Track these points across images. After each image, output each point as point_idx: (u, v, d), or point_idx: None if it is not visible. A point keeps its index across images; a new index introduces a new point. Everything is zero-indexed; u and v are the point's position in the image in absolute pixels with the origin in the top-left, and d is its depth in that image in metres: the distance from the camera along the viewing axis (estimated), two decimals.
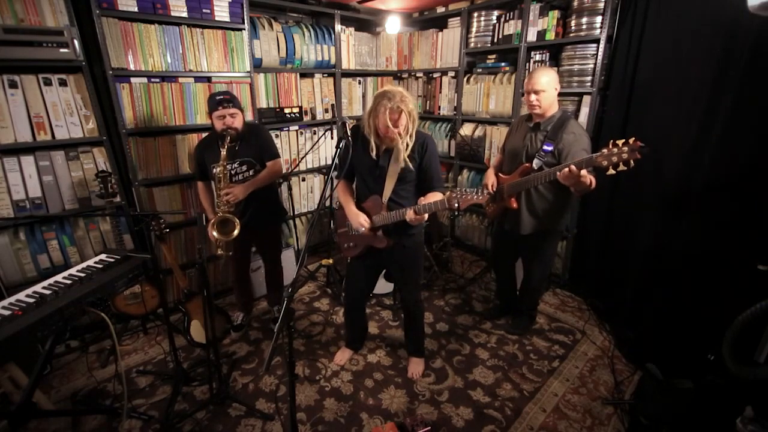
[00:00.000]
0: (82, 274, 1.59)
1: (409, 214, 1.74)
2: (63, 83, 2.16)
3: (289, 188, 3.16)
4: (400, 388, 2.14)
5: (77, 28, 2.11)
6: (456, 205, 1.65)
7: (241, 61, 2.77)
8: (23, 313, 1.34)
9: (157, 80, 2.47)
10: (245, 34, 2.73)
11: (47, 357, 1.68)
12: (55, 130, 2.20)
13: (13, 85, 2.04)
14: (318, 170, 3.51)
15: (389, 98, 1.64)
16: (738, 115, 1.87)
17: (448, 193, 1.69)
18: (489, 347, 2.46)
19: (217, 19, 2.59)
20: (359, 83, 3.64)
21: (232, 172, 2.20)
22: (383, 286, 2.92)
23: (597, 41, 2.54)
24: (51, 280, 1.56)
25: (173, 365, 2.13)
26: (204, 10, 2.53)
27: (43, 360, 1.65)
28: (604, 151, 1.64)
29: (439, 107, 3.65)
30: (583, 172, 1.72)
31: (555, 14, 2.70)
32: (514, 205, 2.17)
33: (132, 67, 2.35)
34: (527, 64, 2.93)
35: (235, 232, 2.12)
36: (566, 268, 3.05)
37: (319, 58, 3.25)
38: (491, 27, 3.14)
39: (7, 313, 1.33)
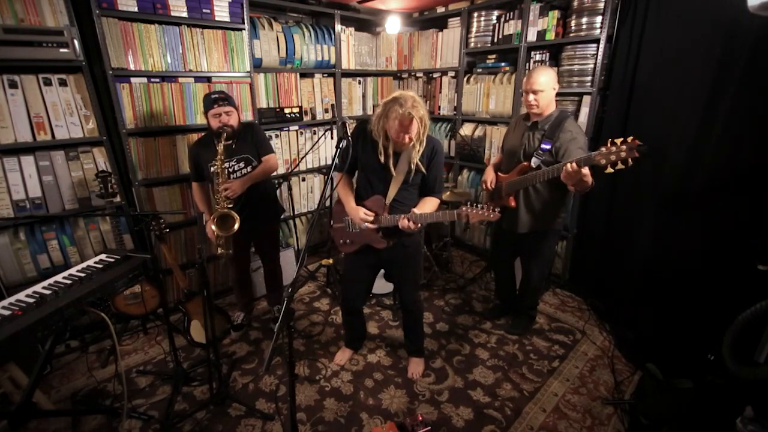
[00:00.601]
0: (82, 274, 1.59)
1: (403, 222, 1.74)
2: (63, 83, 2.16)
3: (289, 188, 3.16)
4: (400, 388, 2.14)
5: (77, 28, 2.11)
6: (464, 219, 1.67)
7: (241, 61, 2.77)
8: (23, 313, 1.34)
9: (157, 80, 2.47)
10: (245, 34, 2.73)
11: (47, 357, 1.68)
12: (55, 130, 2.20)
13: (13, 85, 2.04)
14: (318, 170, 3.51)
15: (401, 104, 1.59)
16: (738, 115, 1.87)
17: (462, 208, 1.69)
18: (489, 347, 2.46)
19: (217, 19, 2.59)
20: (359, 83, 3.64)
21: (230, 169, 2.21)
22: (383, 286, 2.91)
23: (597, 41, 2.54)
24: (51, 280, 1.56)
25: (173, 365, 2.13)
26: (204, 10, 2.53)
27: (43, 360, 1.65)
28: (603, 149, 1.64)
29: (439, 107, 3.65)
30: (585, 170, 1.72)
31: (555, 14, 2.70)
32: (512, 203, 2.18)
33: (132, 67, 2.35)
34: (527, 64, 2.93)
35: (236, 226, 2.13)
36: (566, 268, 3.05)
37: (319, 58, 3.25)
38: (491, 27, 3.14)
39: (7, 313, 1.33)
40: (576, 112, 2.73)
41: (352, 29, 3.44)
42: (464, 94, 3.38)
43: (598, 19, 2.52)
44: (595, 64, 2.57)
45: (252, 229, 2.33)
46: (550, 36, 2.75)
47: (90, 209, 2.35)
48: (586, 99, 2.66)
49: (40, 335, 1.36)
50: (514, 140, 2.22)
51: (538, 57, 2.87)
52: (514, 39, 2.96)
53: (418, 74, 3.78)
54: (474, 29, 3.22)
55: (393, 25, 3.51)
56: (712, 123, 1.98)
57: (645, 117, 2.37)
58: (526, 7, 2.81)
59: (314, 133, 3.38)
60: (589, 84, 2.63)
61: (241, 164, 2.23)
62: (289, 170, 3.22)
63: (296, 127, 3.25)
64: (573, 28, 2.65)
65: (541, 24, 2.79)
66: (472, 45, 3.26)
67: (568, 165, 1.73)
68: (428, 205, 1.86)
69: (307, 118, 3.30)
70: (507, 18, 2.99)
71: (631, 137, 1.58)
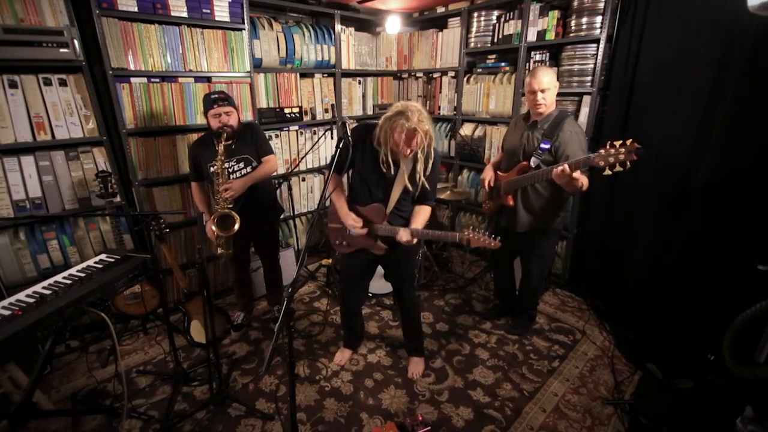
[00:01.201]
0: (82, 274, 1.59)
1: (403, 236, 1.75)
2: (63, 83, 2.16)
3: (289, 188, 3.16)
4: (400, 388, 2.14)
5: (77, 28, 2.11)
6: (465, 243, 1.70)
7: (241, 61, 2.77)
8: (23, 313, 1.34)
9: (157, 80, 2.47)
10: (245, 34, 2.73)
11: (47, 357, 1.68)
12: (55, 130, 2.20)
13: (13, 85, 2.04)
14: (318, 170, 3.51)
15: (407, 118, 1.58)
16: (738, 115, 1.87)
17: (464, 231, 1.72)
18: (489, 347, 2.46)
19: (217, 19, 2.59)
20: (359, 83, 3.64)
21: (230, 169, 2.21)
22: (383, 286, 2.91)
23: (597, 41, 2.54)
24: (51, 280, 1.56)
25: (173, 365, 2.13)
26: (204, 10, 2.53)
27: (43, 360, 1.65)
28: (601, 151, 1.65)
29: (439, 107, 3.64)
30: (576, 174, 1.73)
31: (555, 14, 2.70)
32: (511, 202, 2.19)
33: (132, 67, 2.35)
34: (527, 64, 2.93)
35: (236, 227, 2.13)
36: (566, 268, 3.05)
37: (319, 58, 3.25)
38: (491, 27, 3.14)
39: (7, 313, 1.33)
40: (576, 112, 2.73)
41: (352, 29, 3.44)
42: (464, 94, 3.38)
43: (598, 19, 2.52)
44: (595, 64, 2.57)
45: (252, 229, 2.33)
46: (550, 36, 2.75)
47: (90, 209, 2.35)
48: (586, 99, 2.66)
49: (40, 335, 1.36)
50: (513, 139, 2.22)
51: (538, 57, 2.87)
52: (514, 39, 2.96)
53: (418, 74, 3.78)
54: (474, 29, 3.22)
55: (393, 25, 3.51)
56: (712, 123, 1.98)
57: (645, 117, 2.37)
58: (526, 7, 2.81)
59: (314, 133, 3.38)
60: (589, 84, 2.63)
61: (241, 164, 2.24)
62: (289, 170, 3.22)
63: (296, 127, 3.25)
64: (573, 28, 2.65)
65: (541, 24, 2.79)
66: (472, 45, 3.26)
67: (560, 167, 1.75)
68: (422, 214, 1.88)
69: (307, 118, 3.30)
70: (507, 18, 2.99)
71: (630, 140, 1.58)
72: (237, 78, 2.78)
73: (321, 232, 3.73)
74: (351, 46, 3.46)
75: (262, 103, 3.02)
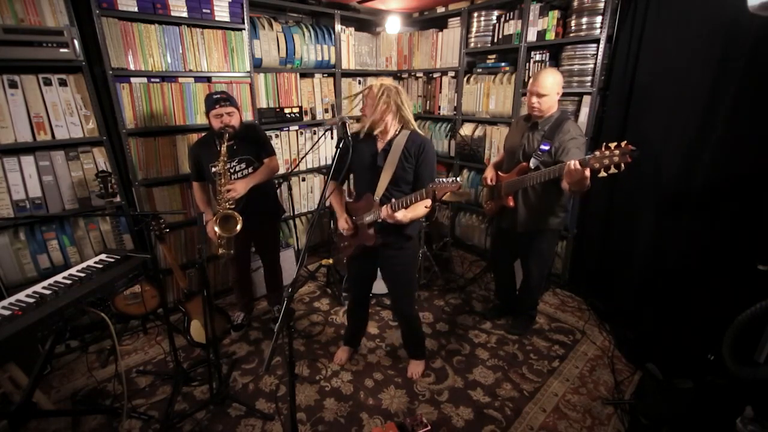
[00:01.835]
0: (82, 274, 1.59)
1: (384, 211, 1.74)
2: (63, 83, 2.16)
3: (289, 188, 3.16)
4: (400, 388, 2.14)
5: (77, 28, 2.11)
6: (431, 195, 1.61)
7: (241, 61, 2.77)
8: (23, 313, 1.34)
9: (157, 80, 2.47)
10: (245, 34, 2.73)
11: (47, 357, 1.68)
12: (55, 130, 2.20)
13: (13, 85, 2.04)
14: (318, 170, 3.51)
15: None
16: (738, 115, 1.87)
17: (429, 184, 1.63)
18: (489, 347, 2.46)
19: (217, 19, 2.59)
20: (359, 83, 3.64)
21: (231, 170, 2.20)
22: (383, 287, 2.90)
23: (597, 41, 2.54)
24: (51, 280, 1.56)
25: (173, 365, 2.13)
26: (204, 10, 2.53)
27: (43, 360, 1.65)
28: (597, 153, 1.65)
29: (439, 107, 3.64)
30: (588, 171, 1.72)
31: (555, 14, 2.70)
32: (511, 203, 2.19)
33: (132, 67, 2.35)
34: (527, 64, 2.93)
35: (238, 227, 2.13)
36: (566, 268, 3.05)
37: (319, 58, 3.25)
38: (491, 27, 3.14)
39: (7, 313, 1.33)
40: (576, 112, 2.73)
41: (352, 29, 3.44)
42: (464, 94, 3.38)
43: (598, 19, 2.52)
44: (595, 64, 2.57)
45: (252, 230, 2.33)
46: (550, 36, 2.75)
47: (90, 209, 2.35)
48: (586, 99, 2.66)
49: (40, 335, 1.36)
50: (514, 140, 2.23)
51: (538, 57, 2.87)
52: (514, 39, 2.96)
53: (418, 74, 3.78)
54: (474, 29, 3.22)
55: (393, 25, 3.51)
56: (712, 123, 1.98)
57: (645, 117, 2.37)
58: (526, 7, 2.81)
59: (314, 133, 3.38)
60: (589, 84, 2.63)
61: (242, 165, 2.24)
62: (289, 170, 3.22)
63: (296, 127, 3.25)
64: (573, 28, 2.65)
65: (541, 24, 2.79)
66: (472, 45, 3.26)
67: (572, 163, 1.72)
68: (421, 204, 1.86)
69: (307, 118, 3.30)
70: (507, 18, 2.99)
71: (625, 142, 1.59)
72: (237, 78, 2.78)
73: (321, 232, 3.73)
74: (351, 46, 3.46)
75: (262, 103, 3.02)
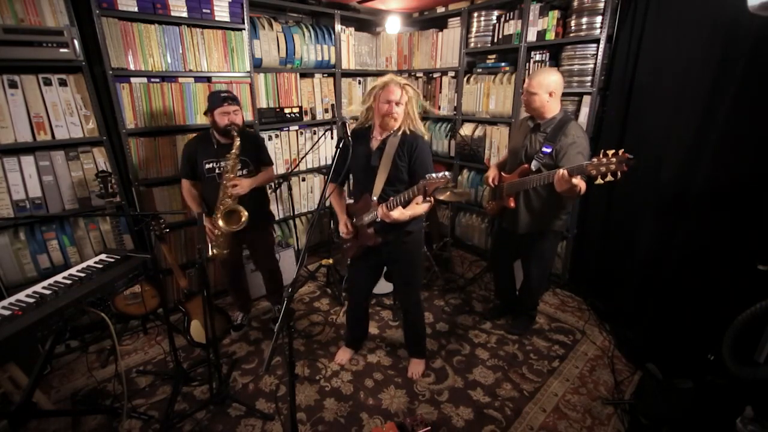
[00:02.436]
0: (82, 274, 1.59)
1: (380, 210, 1.74)
2: (63, 83, 2.16)
3: (289, 188, 3.16)
4: (400, 388, 2.14)
5: (77, 28, 2.11)
6: (424, 192, 1.61)
7: (241, 61, 2.77)
8: (23, 313, 1.34)
9: (157, 80, 2.47)
10: (245, 34, 2.73)
11: (47, 357, 1.68)
12: (55, 130, 2.20)
13: (13, 85, 2.04)
14: (318, 170, 3.51)
15: (383, 79, 1.73)
16: (738, 115, 1.87)
17: (420, 181, 1.63)
18: (489, 347, 2.46)
19: (217, 19, 2.59)
20: (359, 83, 3.64)
21: (226, 168, 2.19)
22: (383, 286, 2.92)
23: (597, 41, 2.54)
24: (51, 280, 1.56)
25: (173, 365, 2.13)
26: (204, 10, 2.53)
27: (43, 360, 1.65)
28: (594, 160, 1.66)
29: (439, 107, 3.64)
30: (576, 180, 1.73)
31: (555, 14, 2.70)
32: (512, 204, 2.19)
33: (132, 67, 2.35)
34: (527, 64, 2.93)
35: (243, 219, 2.15)
36: (566, 268, 3.05)
37: (319, 58, 3.25)
38: (491, 27, 3.14)
39: (7, 313, 1.33)
40: (576, 112, 2.73)
41: (352, 29, 3.44)
42: (464, 94, 3.38)
43: (598, 19, 2.52)
44: (595, 64, 2.57)
45: (244, 234, 2.27)
46: (550, 36, 2.75)
47: (90, 209, 2.35)
48: (586, 99, 2.66)
49: (40, 335, 1.36)
50: (517, 141, 2.23)
51: (538, 57, 2.87)
52: (514, 39, 2.96)
53: (418, 74, 3.78)
54: (474, 29, 3.22)
55: (393, 25, 3.51)
56: (712, 123, 1.98)
57: (645, 117, 2.37)
58: (526, 7, 2.81)
59: (314, 133, 3.38)
60: (589, 84, 2.63)
61: (239, 165, 2.22)
62: (289, 170, 3.22)
63: (296, 127, 3.25)
64: (573, 28, 2.65)
65: (541, 24, 2.79)
66: (472, 45, 3.26)
67: (560, 171, 1.76)
68: (417, 201, 1.86)
69: (307, 118, 3.30)
70: (507, 18, 2.99)
71: (622, 150, 1.59)
72: (237, 78, 2.78)
73: (321, 232, 3.73)
74: (351, 46, 3.46)
75: (262, 103, 3.02)
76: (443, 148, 3.66)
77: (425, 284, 3.14)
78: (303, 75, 3.23)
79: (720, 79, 1.95)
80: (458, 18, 3.28)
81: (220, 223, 2.13)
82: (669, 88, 2.22)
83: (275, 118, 3.07)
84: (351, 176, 2.02)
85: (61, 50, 2.06)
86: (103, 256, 1.76)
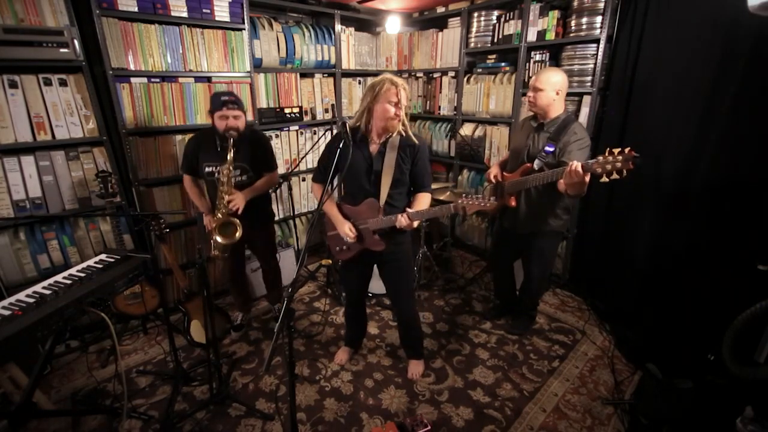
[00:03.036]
0: (82, 274, 1.59)
1: (401, 220, 1.74)
2: (63, 83, 2.16)
3: (289, 188, 3.16)
4: (400, 388, 2.14)
5: (77, 28, 2.11)
6: (461, 212, 1.66)
7: (241, 61, 2.77)
8: (23, 313, 1.34)
9: (157, 80, 2.47)
10: (245, 34, 2.73)
11: (47, 357, 1.68)
12: (55, 130, 2.20)
13: (13, 85, 2.04)
14: None
15: (389, 81, 1.70)
16: (738, 115, 1.87)
17: (458, 199, 1.68)
18: (489, 347, 2.46)
19: (217, 19, 2.59)
20: (359, 83, 3.64)
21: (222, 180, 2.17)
22: (383, 287, 2.90)
23: (597, 41, 2.54)
24: (51, 280, 1.56)
25: (173, 365, 2.13)
26: (204, 10, 2.53)
27: (43, 360, 1.65)
28: (600, 158, 1.65)
29: (439, 107, 3.64)
30: (587, 177, 1.72)
31: (555, 14, 2.70)
32: (513, 203, 2.19)
33: (132, 67, 2.35)
34: (527, 64, 2.93)
35: (238, 234, 2.11)
36: (566, 268, 3.05)
37: (319, 58, 3.25)
38: (491, 27, 3.14)
39: (7, 313, 1.33)
40: (576, 112, 2.73)
41: (352, 29, 3.44)
42: (464, 94, 3.38)
43: (598, 19, 2.52)
44: (595, 64, 2.57)
45: (244, 234, 2.24)
46: (550, 36, 2.75)
47: (90, 209, 2.35)
48: (586, 99, 2.66)
49: (40, 335, 1.36)
50: (519, 140, 2.23)
51: (538, 57, 2.87)
52: (514, 39, 2.96)
53: (418, 74, 3.78)
54: (474, 29, 3.22)
55: (393, 25, 3.51)
56: (712, 123, 1.98)
57: (645, 117, 2.37)
58: (526, 7, 2.81)
59: (314, 133, 3.38)
60: (589, 84, 2.63)
61: (237, 171, 2.18)
62: (289, 170, 3.22)
63: (296, 127, 3.25)
64: (573, 28, 2.64)
65: (541, 24, 2.78)
66: (472, 45, 3.26)
67: (574, 164, 1.69)
68: (422, 202, 1.87)
69: (307, 118, 3.30)
70: (507, 18, 2.99)
71: (628, 148, 1.58)
72: (237, 78, 2.78)
73: (321, 232, 3.72)
74: (351, 46, 3.46)
75: (262, 103, 3.02)
76: (443, 148, 3.65)
77: (425, 284, 3.14)
78: (303, 75, 3.23)
79: (720, 78, 1.95)
80: (458, 18, 3.28)
81: (218, 238, 2.10)
82: (669, 87, 2.22)
83: (275, 118, 3.07)
84: (343, 179, 1.95)
85: (61, 50, 2.06)
86: (103, 256, 1.76)
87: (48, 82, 2.13)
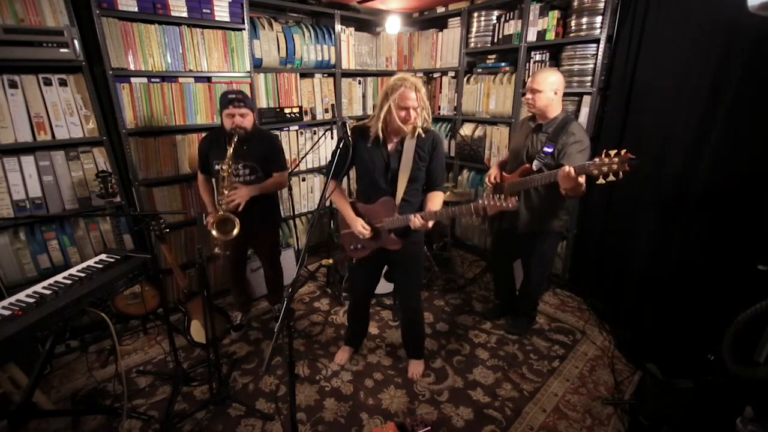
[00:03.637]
0: (82, 274, 1.59)
1: (415, 222, 1.72)
2: (63, 83, 2.16)
3: (289, 188, 3.16)
4: (400, 388, 2.14)
5: (77, 28, 2.11)
6: (482, 212, 1.60)
7: (241, 61, 2.77)
8: (23, 313, 1.34)
9: (157, 80, 2.47)
10: (245, 34, 2.73)
11: (47, 357, 1.68)
12: (55, 130, 2.20)
13: (13, 85, 2.04)
14: (318, 170, 3.51)
15: (403, 84, 1.64)
16: (737, 115, 1.87)
17: (478, 200, 1.63)
18: (489, 347, 2.46)
19: (217, 19, 2.59)
20: (359, 83, 3.64)
21: (235, 172, 2.17)
22: (383, 286, 2.91)
23: (597, 41, 2.54)
24: (51, 280, 1.56)
25: (173, 365, 2.13)
26: (204, 10, 2.53)
27: (43, 360, 1.65)
28: (596, 160, 1.66)
29: (439, 107, 3.65)
30: (582, 178, 1.73)
31: (555, 14, 2.70)
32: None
33: (132, 67, 2.35)
34: (527, 64, 2.93)
35: (234, 232, 2.11)
36: (566, 268, 3.05)
37: (319, 58, 3.25)
38: (491, 27, 3.14)
39: (7, 313, 1.34)
40: (576, 112, 2.73)
41: (352, 29, 3.44)
42: (464, 94, 3.38)
43: (598, 19, 2.52)
44: (595, 64, 2.57)
45: (249, 233, 2.28)
46: (550, 36, 2.75)
47: (90, 209, 2.35)
48: (586, 99, 2.66)
49: (40, 335, 1.36)
50: (518, 141, 2.23)
51: (538, 57, 2.87)
52: (514, 39, 2.96)
53: (418, 74, 3.77)
54: (474, 29, 3.22)
55: (393, 25, 3.51)
56: (711, 123, 1.98)
57: (645, 117, 2.37)
58: (526, 7, 2.81)
59: (314, 133, 3.38)
60: (589, 84, 2.63)
61: (247, 171, 2.19)
62: (289, 170, 3.22)
63: (296, 127, 3.25)
64: (573, 28, 2.65)
65: (541, 24, 2.79)
66: (472, 45, 3.26)
67: (566, 168, 1.74)
68: (436, 200, 1.86)
69: (307, 118, 3.30)
70: (507, 18, 2.99)
71: (624, 150, 1.59)
72: (237, 78, 2.78)
73: (321, 232, 3.73)
74: (351, 46, 3.46)
75: (263, 103, 3.02)
76: (443, 148, 3.65)
77: (425, 284, 3.14)
78: (303, 75, 3.23)
79: (720, 78, 1.94)
80: (458, 18, 3.28)
81: (214, 232, 2.10)
82: (669, 88, 2.22)
83: (275, 118, 3.07)
84: (357, 177, 1.95)
85: (61, 50, 2.06)
86: (103, 256, 1.76)
87: (48, 82, 2.13)
